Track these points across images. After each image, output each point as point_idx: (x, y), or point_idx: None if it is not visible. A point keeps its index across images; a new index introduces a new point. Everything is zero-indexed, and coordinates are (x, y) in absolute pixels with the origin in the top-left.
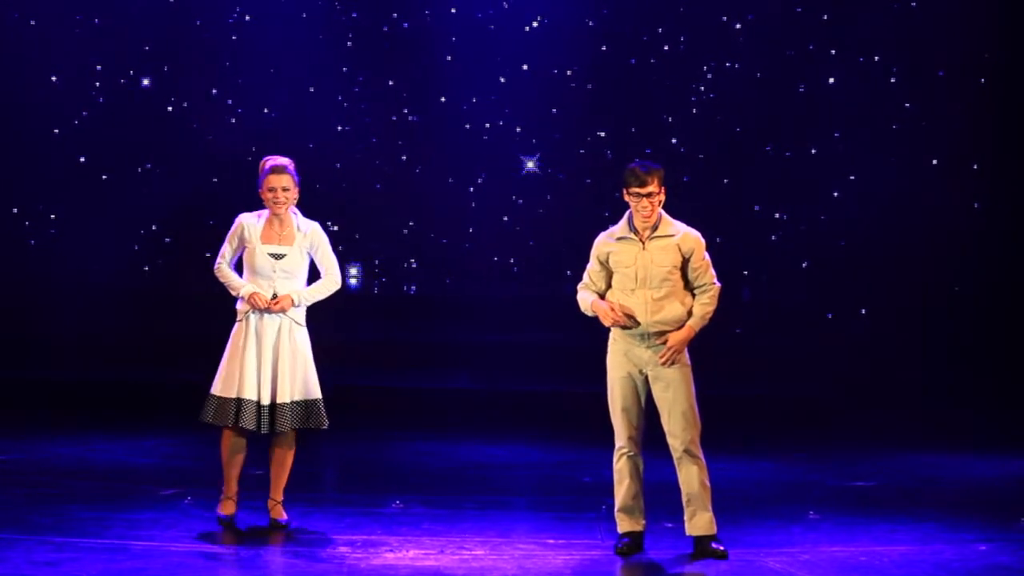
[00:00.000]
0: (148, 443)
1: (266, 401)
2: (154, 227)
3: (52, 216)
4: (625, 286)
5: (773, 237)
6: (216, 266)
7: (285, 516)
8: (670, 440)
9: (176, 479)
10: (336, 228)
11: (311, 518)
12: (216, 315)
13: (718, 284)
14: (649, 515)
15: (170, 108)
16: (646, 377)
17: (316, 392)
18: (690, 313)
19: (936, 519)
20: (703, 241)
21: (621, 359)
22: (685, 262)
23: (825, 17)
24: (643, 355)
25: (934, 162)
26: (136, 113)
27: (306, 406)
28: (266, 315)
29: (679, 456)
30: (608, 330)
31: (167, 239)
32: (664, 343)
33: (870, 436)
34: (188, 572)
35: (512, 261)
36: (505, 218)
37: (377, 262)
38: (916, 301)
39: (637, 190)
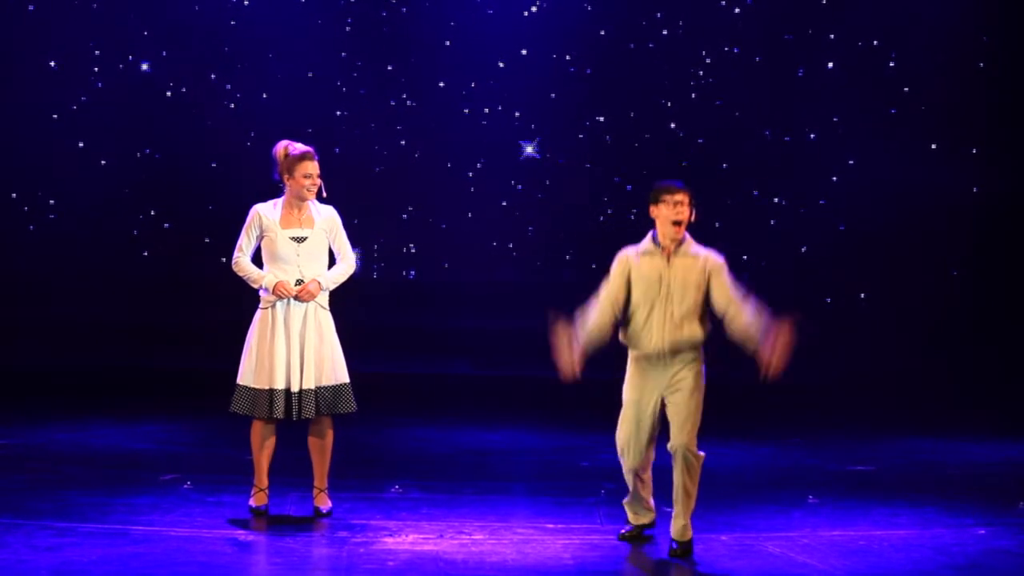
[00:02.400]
0: (147, 429)
1: (295, 388)
2: (153, 212)
3: (51, 202)
4: (646, 301)
5: (772, 222)
6: (234, 260)
7: (329, 504)
8: (671, 436)
9: (175, 465)
10: None
11: (309, 503)
12: (216, 302)
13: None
14: (655, 501)
15: (169, 93)
16: (661, 399)
17: (344, 376)
18: (704, 333)
19: (935, 503)
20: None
21: (636, 382)
22: (708, 285)
23: (824, 1)
24: (660, 378)
25: (933, 146)
26: (135, 98)
27: (334, 391)
28: (293, 302)
29: (676, 455)
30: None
31: (166, 224)
32: (681, 361)
33: (869, 421)
34: (187, 557)
35: (511, 246)
36: (504, 203)
37: (376, 247)
38: (915, 285)
39: (668, 197)
